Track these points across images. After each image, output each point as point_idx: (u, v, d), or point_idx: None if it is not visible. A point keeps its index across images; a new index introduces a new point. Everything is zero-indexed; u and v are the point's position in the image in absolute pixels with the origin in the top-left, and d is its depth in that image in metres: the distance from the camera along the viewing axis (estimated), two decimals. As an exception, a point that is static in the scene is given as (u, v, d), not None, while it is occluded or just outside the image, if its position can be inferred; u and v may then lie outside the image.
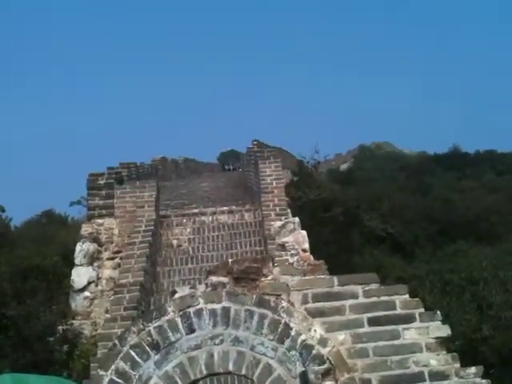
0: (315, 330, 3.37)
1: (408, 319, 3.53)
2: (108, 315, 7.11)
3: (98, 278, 8.04)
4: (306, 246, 7.90)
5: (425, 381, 3.38)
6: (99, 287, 7.97)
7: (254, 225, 9.22)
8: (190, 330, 3.33)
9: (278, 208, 8.91)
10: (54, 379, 4.79)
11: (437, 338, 3.48)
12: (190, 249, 8.70)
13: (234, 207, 9.75)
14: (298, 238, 7.98)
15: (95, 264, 8.14)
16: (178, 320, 3.34)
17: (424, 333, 3.49)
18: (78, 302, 7.73)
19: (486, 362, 8.97)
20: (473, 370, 3.41)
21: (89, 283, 7.92)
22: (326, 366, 3.22)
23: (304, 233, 8.06)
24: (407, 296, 3.61)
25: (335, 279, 3.64)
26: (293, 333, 3.33)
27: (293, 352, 3.29)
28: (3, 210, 16.71)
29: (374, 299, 3.58)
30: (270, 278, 3.63)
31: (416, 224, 18.01)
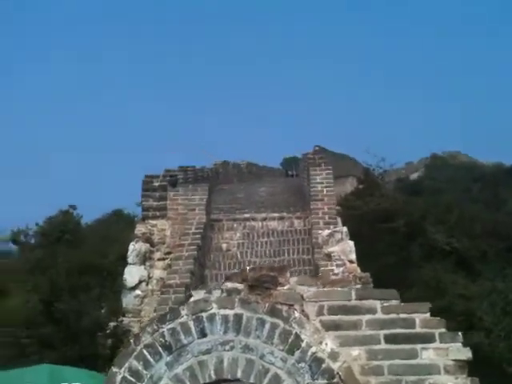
0: (326, 344, 3.32)
1: (427, 339, 3.40)
2: (155, 314, 7.33)
3: (149, 278, 8.30)
4: (353, 256, 7.75)
5: (440, 404, 3.25)
6: (150, 286, 8.23)
7: (304, 232, 9.18)
8: (202, 334, 3.38)
9: (327, 216, 8.82)
10: (87, 373, 5.00)
11: (456, 360, 3.33)
12: (239, 253, 8.79)
13: (284, 214, 9.74)
14: (344, 249, 7.85)
15: (147, 264, 8.41)
16: (191, 323, 3.40)
17: (443, 354, 3.35)
18: (128, 300, 8.01)
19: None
20: (493, 397, 3.23)
21: (140, 282, 8.19)
22: (328, 381, 3.17)
23: (351, 243, 7.91)
24: (428, 314, 3.48)
25: (353, 292, 3.56)
26: (303, 344, 3.30)
27: (302, 364, 3.26)
28: (75, 208, 17.71)
29: (393, 316, 3.47)
30: (286, 287, 3.61)
31: (485, 239, 17.14)
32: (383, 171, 27.13)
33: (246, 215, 9.76)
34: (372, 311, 3.49)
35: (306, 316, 3.47)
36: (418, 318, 3.46)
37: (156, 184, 9.28)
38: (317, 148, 18.54)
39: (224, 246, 9.02)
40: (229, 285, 3.59)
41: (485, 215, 21.86)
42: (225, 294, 3.55)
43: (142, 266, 8.29)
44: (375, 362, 3.36)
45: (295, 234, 9.21)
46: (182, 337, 3.38)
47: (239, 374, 3.30)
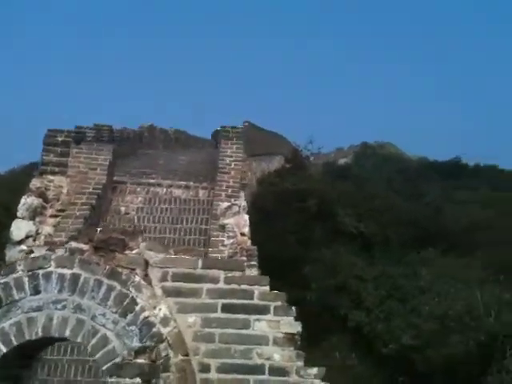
0: (160, 309, 3.34)
1: (262, 311, 3.49)
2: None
3: (38, 234, 8.03)
4: (246, 230, 7.86)
5: (264, 374, 3.36)
6: (37, 242, 7.96)
7: (207, 203, 9.19)
8: (36, 291, 3.31)
9: (230, 189, 8.84)
10: None
11: (286, 333, 3.45)
12: (136, 217, 8.69)
13: (191, 183, 9.70)
14: (239, 222, 7.96)
15: (37, 219, 8.12)
16: (26, 280, 3.32)
17: (274, 326, 3.46)
18: (12, 254, 7.67)
19: (417, 371, 9.04)
20: (314, 370, 3.38)
21: (27, 237, 7.90)
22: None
23: (246, 217, 8.03)
24: (267, 288, 3.57)
25: (200, 261, 3.59)
26: (137, 308, 3.31)
27: (132, 327, 3.27)
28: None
29: (234, 286, 3.54)
30: (134, 251, 3.59)
31: (394, 227, 17.87)
32: (310, 153, 27.64)
33: (152, 180, 9.64)
34: (215, 280, 3.55)
35: (149, 281, 3.48)
36: (258, 290, 3.54)
37: (59, 139, 8.92)
38: (246, 123, 18.56)
39: (123, 208, 8.88)
40: (73, 244, 3.53)
41: (401, 205, 22.76)
42: (67, 253, 3.48)
43: (31, 221, 7.99)
44: (208, 330, 3.43)
45: (198, 203, 9.20)
46: (14, 292, 3.30)
47: (67, 334, 3.27)
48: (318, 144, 30.48)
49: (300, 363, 3.39)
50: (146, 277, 3.47)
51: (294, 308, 3.53)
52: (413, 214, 21.63)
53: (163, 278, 3.52)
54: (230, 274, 3.56)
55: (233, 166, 9.25)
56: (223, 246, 7.44)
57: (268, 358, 3.39)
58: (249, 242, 7.66)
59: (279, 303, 3.52)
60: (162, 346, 3.26)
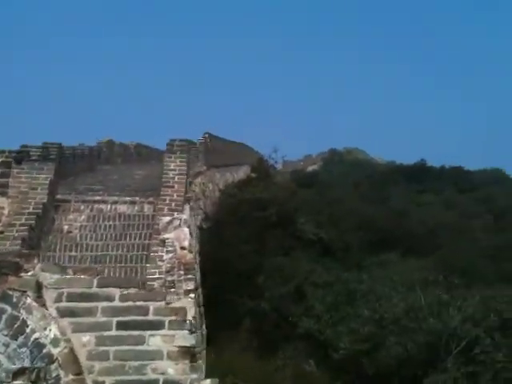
0: (50, 330, 3.38)
1: (157, 326, 3.56)
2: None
3: (-23, 257, 7.97)
4: (186, 243, 7.88)
5: (157, 388, 3.42)
6: (-24, 266, 7.90)
7: (151, 218, 9.17)
8: None
9: (173, 203, 8.85)
10: None
11: (180, 346, 3.52)
12: (79, 236, 8.63)
13: (137, 198, 9.67)
14: (179, 236, 7.97)
15: (-24, 242, 8.05)
16: None
17: (169, 341, 3.53)
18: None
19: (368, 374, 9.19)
20: (207, 382, 3.46)
21: (-35, 261, 7.84)
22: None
23: (186, 230, 8.06)
24: (163, 303, 3.64)
25: (95, 281, 3.64)
26: (28, 330, 3.35)
27: (24, 349, 3.30)
28: None
29: (129, 303, 3.60)
30: (30, 273, 3.62)
31: (355, 232, 18.09)
32: (275, 162, 27.86)
33: (97, 197, 9.60)
34: (110, 299, 3.60)
35: (42, 302, 3.51)
36: (153, 305, 3.61)
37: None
38: (206, 135, 18.54)
39: (65, 227, 8.80)
40: (-35, 268, 3.54)
41: (365, 209, 23.05)
42: (-40, 278, 3.49)
43: (-30, 245, 7.92)
44: (102, 348, 3.47)
45: (143, 218, 9.17)
46: None
47: (-44, 358, 3.27)
48: (283, 152, 30.79)
49: (194, 375, 3.46)
50: (38, 298, 3.51)
51: (188, 321, 3.60)
52: (377, 218, 21.94)
53: (58, 299, 3.56)
54: (125, 292, 3.62)
55: (176, 179, 9.27)
56: (161, 261, 7.45)
57: (162, 373, 3.45)
58: (189, 256, 7.68)
59: (174, 317, 3.59)
60: (53, 366, 3.29)
